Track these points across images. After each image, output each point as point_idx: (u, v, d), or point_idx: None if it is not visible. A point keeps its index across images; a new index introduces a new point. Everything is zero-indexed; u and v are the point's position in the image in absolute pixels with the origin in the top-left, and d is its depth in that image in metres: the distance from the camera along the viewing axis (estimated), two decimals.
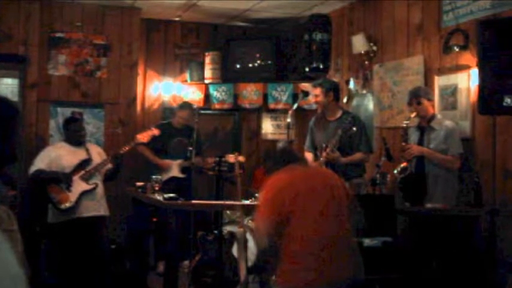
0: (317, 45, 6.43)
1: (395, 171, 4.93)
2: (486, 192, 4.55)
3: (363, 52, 6.38)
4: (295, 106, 5.54)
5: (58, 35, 6.72)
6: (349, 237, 3.27)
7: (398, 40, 6.00)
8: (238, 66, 7.52)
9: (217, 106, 7.44)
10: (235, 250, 5.15)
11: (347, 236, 3.25)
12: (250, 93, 7.46)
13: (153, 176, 5.43)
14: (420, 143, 4.92)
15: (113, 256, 5.96)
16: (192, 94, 7.43)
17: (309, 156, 5.35)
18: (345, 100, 6.67)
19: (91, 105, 6.85)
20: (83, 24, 6.83)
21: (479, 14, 4.92)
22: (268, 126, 8.01)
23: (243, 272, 4.77)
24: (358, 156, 5.21)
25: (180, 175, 6.36)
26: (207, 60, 7.46)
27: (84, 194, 5.35)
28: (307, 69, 6.54)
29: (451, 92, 5.21)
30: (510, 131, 4.67)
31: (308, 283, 3.11)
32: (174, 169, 6.39)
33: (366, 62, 6.42)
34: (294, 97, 7.21)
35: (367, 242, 4.35)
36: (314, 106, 6.03)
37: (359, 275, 3.22)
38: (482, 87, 4.28)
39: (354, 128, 5.04)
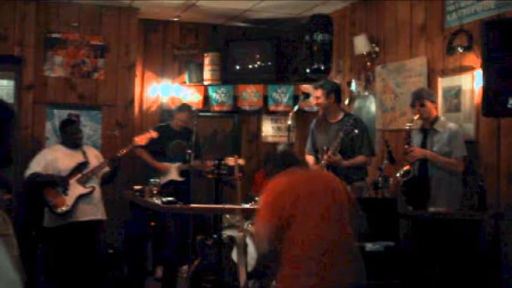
0: (318, 46, 6.39)
1: (397, 175, 4.89)
2: (490, 195, 4.53)
3: (365, 53, 6.33)
4: (295, 108, 5.49)
5: (54, 35, 6.66)
6: (351, 242, 3.24)
7: (400, 41, 5.94)
8: (237, 67, 7.46)
9: (216, 108, 7.39)
10: (234, 255, 5.11)
11: (349, 240, 3.21)
12: (250, 95, 7.39)
13: (151, 179, 5.40)
14: (423, 145, 4.88)
15: (110, 261, 5.95)
16: (191, 96, 7.38)
17: (310, 159, 5.35)
18: (346, 102, 6.63)
19: (88, 107, 6.79)
20: (80, 24, 6.78)
21: (483, 14, 4.88)
22: (268, 129, 7.96)
23: (242, 277, 4.73)
24: (360, 159, 5.19)
25: (179, 178, 6.31)
26: (206, 61, 7.40)
27: (81, 197, 5.34)
28: (308, 70, 6.50)
29: (455, 94, 5.15)
30: None
31: None
32: (172, 172, 6.34)
33: (368, 63, 6.37)
34: (295, 99, 7.15)
35: (369, 246, 4.33)
36: (315, 108, 5.98)
37: (361, 280, 3.19)
38: (486, 89, 4.24)
39: (356, 131, 5.03)
